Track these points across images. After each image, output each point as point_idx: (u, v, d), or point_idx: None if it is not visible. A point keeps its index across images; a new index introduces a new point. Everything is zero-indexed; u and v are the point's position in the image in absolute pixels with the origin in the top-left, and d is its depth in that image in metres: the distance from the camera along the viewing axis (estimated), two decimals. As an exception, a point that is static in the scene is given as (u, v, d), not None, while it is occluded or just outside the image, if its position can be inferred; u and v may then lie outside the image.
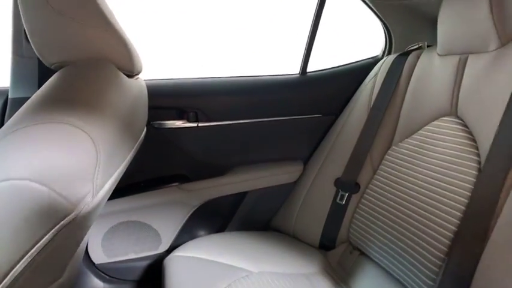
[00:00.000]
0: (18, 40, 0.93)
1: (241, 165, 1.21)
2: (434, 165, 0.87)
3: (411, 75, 1.04)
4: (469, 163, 0.79)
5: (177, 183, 1.15)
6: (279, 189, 1.24)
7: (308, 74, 1.24)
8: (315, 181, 1.17)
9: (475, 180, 0.77)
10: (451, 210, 0.79)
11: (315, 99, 1.23)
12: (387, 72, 1.10)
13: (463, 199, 0.78)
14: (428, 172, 0.88)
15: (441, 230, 0.80)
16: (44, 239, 0.45)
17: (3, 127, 0.47)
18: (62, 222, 0.45)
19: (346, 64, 1.26)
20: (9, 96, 0.97)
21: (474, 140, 0.80)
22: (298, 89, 1.21)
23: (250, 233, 1.17)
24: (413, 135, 0.96)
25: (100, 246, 1.11)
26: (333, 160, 1.14)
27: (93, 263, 1.11)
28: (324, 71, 1.25)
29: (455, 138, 0.85)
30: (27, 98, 0.99)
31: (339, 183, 1.10)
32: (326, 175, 1.14)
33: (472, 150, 0.80)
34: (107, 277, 1.13)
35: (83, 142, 0.46)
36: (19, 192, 0.42)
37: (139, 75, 0.86)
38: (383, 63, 1.14)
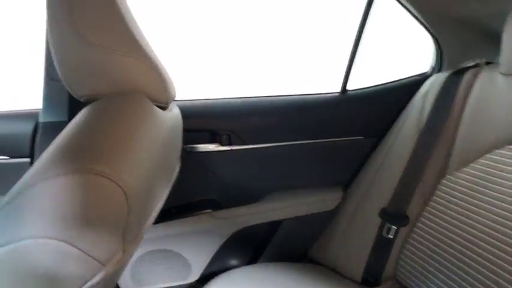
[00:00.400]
0: (50, 63, 0.91)
1: (277, 191, 1.14)
2: (498, 200, 0.76)
3: (468, 96, 0.93)
4: None
5: (209, 211, 1.08)
6: (316, 218, 1.15)
7: (349, 92, 1.15)
8: (357, 210, 1.08)
9: None
10: None
11: (356, 120, 1.14)
12: (439, 92, 1.00)
13: None
14: (491, 208, 0.77)
15: (506, 275, 0.69)
16: None
17: (28, 174, 0.42)
18: (90, 282, 0.40)
19: (391, 82, 1.16)
20: (40, 120, 0.95)
21: None
22: (338, 108, 1.13)
23: (286, 264, 1.08)
24: (472, 164, 0.85)
25: (129, 275, 1.06)
26: (377, 188, 1.05)
27: None
28: (366, 89, 1.16)
29: None
30: (58, 122, 0.98)
31: (385, 214, 1.00)
32: (370, 204, 1.04)
33: None
34: None
35: (113, 194, 0.40)
36: (44, 251, 0.37)
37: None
38: (434, 81, 1.03)
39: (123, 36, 0.54)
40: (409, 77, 1.17)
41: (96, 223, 0.38)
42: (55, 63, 0.54)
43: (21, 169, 1.02)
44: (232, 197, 1.10)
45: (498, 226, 0.75)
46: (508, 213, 0.74)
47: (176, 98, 1.08)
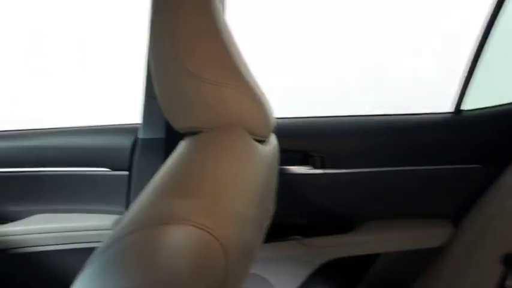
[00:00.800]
0: (149, 82, 0.93)
1: (375, 221, 1.02)
2: None
3: None
4: None
5: (298, 237, 1.02)
6: (420, 254, 1.01)
7: (464, 112, 0.99)
8: (471, 251, 0.92)
9: None
10: None
11: (472, 145, 0.98)
12: None
13: None
14: None
15: None
16: None
17: (126, 218, 0.40)
18: None
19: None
20: (138, 136, 0.98)
21: None
22: (450, 131, 0.98)
23: None
24: None
25: None
26: (499, 227, 0.88)
27: None
28: (486, 110, 0.99)
29: None
30: (155, 139, 1.00)
31: (509, 262, 0.83)
32: (488, 247, 0.88)
33: None
34: None
35: (211, 249, 0.36)
36: None
37: None
38: None
39: (230, 69, 0.51)
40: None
41: (193, 281, 0.34)
42: (156, 91, 0.53)
43: (120, 181, 1.07)
44: (324, 224, 1.02)
45: None
46: None
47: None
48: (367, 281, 1.04)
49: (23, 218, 1.08)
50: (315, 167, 0.97)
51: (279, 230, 1.03)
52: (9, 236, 1.06)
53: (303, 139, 0.98)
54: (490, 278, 0.85)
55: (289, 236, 1.02)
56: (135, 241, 0.35)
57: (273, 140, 0.65)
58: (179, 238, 0.35)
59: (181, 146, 0.49)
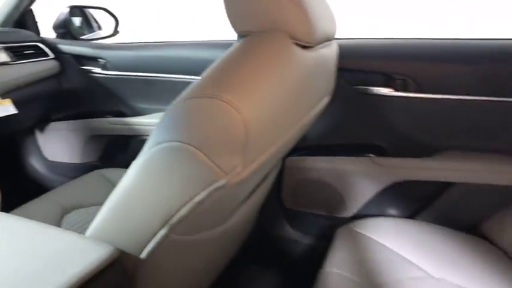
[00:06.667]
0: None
1: (454, 150, 1.01)
2: None
3: None
4: None
5: (371, 155, 1.07)
6: (499, 189, 0.97)
7: None
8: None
9: None
10: None
11: None
12: None
13: None
14: None
15: None
16: (199, 196, 0.52)
17: (185, 91, 0.54)
18: (214, 185, 0.51)
19: None
20: None
21: None
22: None
23: (445, 229, 0.99)
24: None
25: (290, 194, 1.19)
26: None
27: (285, 207, 1.22)
28: None
29: None
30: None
31: None
32: None
33: None
34: (293, 223, 1.22)
35: (233, 120, 0.48)
36: (184, 153, 0.49)
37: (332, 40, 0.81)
38: None
39: None
40: None
41: (218, 140, 0.48)
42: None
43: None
44: (399, 147, 1.05)
45: None
46: None
47: (350, 36, 1.05)
48: (437, 208, 1.06)
49: (147, 113, 1.36)
50: (396, 90, 0.98)
51: (354, 148, 1.10)
52: (139, 125, 1.36)
53: (385, 60, 0.99)
54: None
55: (363, 154, 1.08)
56: (185, 107, 0.50)
57: (328, 48, 0.71)
58: (209, 108, 0.48)
59: (234, 45, 0.60)
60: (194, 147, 0.48)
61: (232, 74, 0.52)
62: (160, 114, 1.31)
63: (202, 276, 0.82)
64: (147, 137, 0.53)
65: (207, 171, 0.49)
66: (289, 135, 0.62)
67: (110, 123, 1.42)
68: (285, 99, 0.57)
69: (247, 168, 0.52)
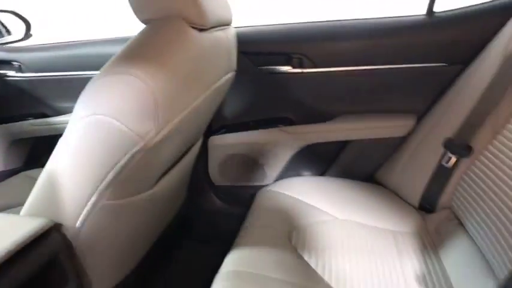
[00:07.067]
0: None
1: (347, 114, 1.19)
2: None
3: None
4: None
5: (281, 126, 1.22)
6: (385, 143, 1.18)
7: (436, 14, 1.07)
8: (426, 139, 1.07)
9: None
10: None
11: (441, 46, 1.07)
12: None
13: None
14: None
15: None
16: (122, 161, 0.61)
17: (103, 68, 0.63)
18: (133, 149, 0.60)
19: (485, 3, 1.03)
20: None
21: None
22: (422, 32, 1.07)
23: (348, 181, 1.18)
24: None
25: (217, 171, 1.31)
26: (448, 117, 1.01)
27: (213, 184, 1.33)
28: (455, 11, 1.06)
29: None
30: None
31: (448, 144, 0.98)
32: (438, 133, 1.03)
33: None
34: (222, 196, 1.34)
35: (143, 91, 0.58)
36: (102, 124, 0.58)
37: (229, 25, 0.94)
38: None
39: None
40: (507, -2, 1.02)
41: (132, 109, 0.57)
42: None
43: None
44: (304, 116, 1.21)
45: None
46: None
47: (252, 23, 1.19)
48: (338, 164, 1.24)
49: (69, 112, 1.39)
50: (294, 68, 1.14)
51: (267, 121, 1.25)
52: (62, 124, 1.39)
53: (284, 43, 1.14)
54: (434, 158, 1.01)
55: (274, 125, 1.23)
56: (103, 82, 0.59)
57: (225, 32, 0.84)
58: (124, 83, 0.58)
59: (140, 31, 0.70)
60: (111, 117, 0.57)
61: (140, 54, 0.62)
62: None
63: (137, 245, 0.90)
64: None
65: (124, 137, 0.59)
66: (196, 104, 0.73)
67: (32, 126, 1.42)
68: (187, 73, 0.68)
69: (160, 133, 0.62)
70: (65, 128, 1.34)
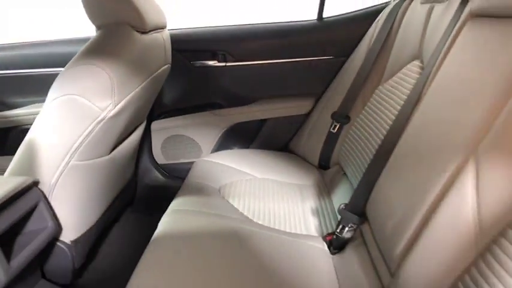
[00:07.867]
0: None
1: (264, 98, 1.50)
2: (401, 101, 0.99)
3: (401, 21, 1.16)
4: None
5: (211, 109, 1.50)
6: (294, 119, 1.51)
7: (324, 19, 1.41)
8: (321, 114, 1.41)
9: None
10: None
11: (329, 43, 1.41)
12: (385, 19, 1.22)
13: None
14: (395, 109, 1.02)
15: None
16: (88, 128, 0.85)
17: (72, 59, 0.86)
18: (97, 119, 0.84)
19: (360, 10, 1.39)
20: None
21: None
22: (315, 33, 1.41)
23: (267, 151, 1.48)
24: (394, 76, 1.10)
25: (160, 152, 1.56)
26: (335, 96, 1.35)
27: (157, 163, 1.57)
28: (339, 17, 1.41)
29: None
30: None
31: (334, 116, 1.32)
32: (328, 109, 1.36)
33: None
34: (166, 173, 1.58)
35: (103, 75, 0.83)
36: (73, 101, 0.82)
37: (164, 29, 1.19)
38: (388, 10, 1.25)
39: None
40: (376, 5, 1.38)
41: (95, 89, 0.82)
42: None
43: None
44: (230, 101, 1.50)
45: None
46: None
47: (186, 26, 1.46)
48: (260, 138, 1.55)
49: (24, 106, 1.55)
50: (219, 62, 1.42)
51: (201, 106, 1.52)
52: (18, 116, 1.55)
53: (211, 42, 1.42)
54: (326, 127, 1.35)
55: (205, 109, 1.51)
56: (69, 71, 0.83)
57: (161, 34, 1.10)
58: (87, 71, 0.82)
59: (95, 35, 0.93)
60: (79, 96, 0.81)
61: (99, 51, 0.86)
62: (39, 104, 1.52)
63: (96, 203, 1.11)
64: (29, 126, 0.78)
65: (90, 110, 0.83)
66: (141, 87, 0.98)
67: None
68: (133, 65, 0.93)
69: (116, 106, 0.87)
70: (20, 120, 1.50)
